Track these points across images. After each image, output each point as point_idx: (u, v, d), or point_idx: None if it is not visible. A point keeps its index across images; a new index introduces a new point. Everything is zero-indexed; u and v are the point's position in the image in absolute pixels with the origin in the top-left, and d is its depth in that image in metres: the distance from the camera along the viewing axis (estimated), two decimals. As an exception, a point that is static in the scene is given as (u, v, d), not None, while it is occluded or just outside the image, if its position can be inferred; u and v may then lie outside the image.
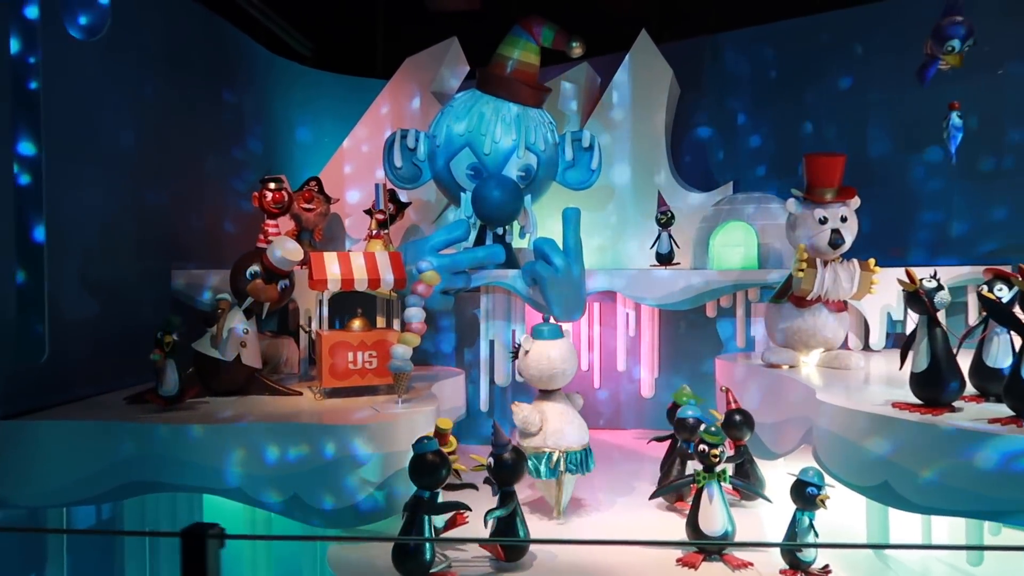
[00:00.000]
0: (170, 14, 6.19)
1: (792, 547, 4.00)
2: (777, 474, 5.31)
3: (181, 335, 4.68)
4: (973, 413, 3.92)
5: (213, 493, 4.40)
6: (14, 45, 4.51)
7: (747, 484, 4.89)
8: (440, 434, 4.41)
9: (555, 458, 4.74)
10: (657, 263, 6.83)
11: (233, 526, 5.08)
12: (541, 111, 6.78)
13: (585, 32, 6.77)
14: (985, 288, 4.11)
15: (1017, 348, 4.07)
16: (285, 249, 5.22)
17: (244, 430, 4.34)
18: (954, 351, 4.03)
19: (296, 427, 4.39)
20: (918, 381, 4.05)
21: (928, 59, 5.13)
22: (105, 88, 5.34)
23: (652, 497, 4.95)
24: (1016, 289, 4.10)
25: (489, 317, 6.46)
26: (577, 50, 6.67)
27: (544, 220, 6.83)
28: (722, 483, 4.30)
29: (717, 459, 4.25)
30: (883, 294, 5.87)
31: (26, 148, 4.56)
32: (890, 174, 7.10)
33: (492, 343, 6.49)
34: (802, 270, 5.36)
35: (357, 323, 5.28)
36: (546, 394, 4.95)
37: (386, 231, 6.50)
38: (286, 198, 6.51)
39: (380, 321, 6.23)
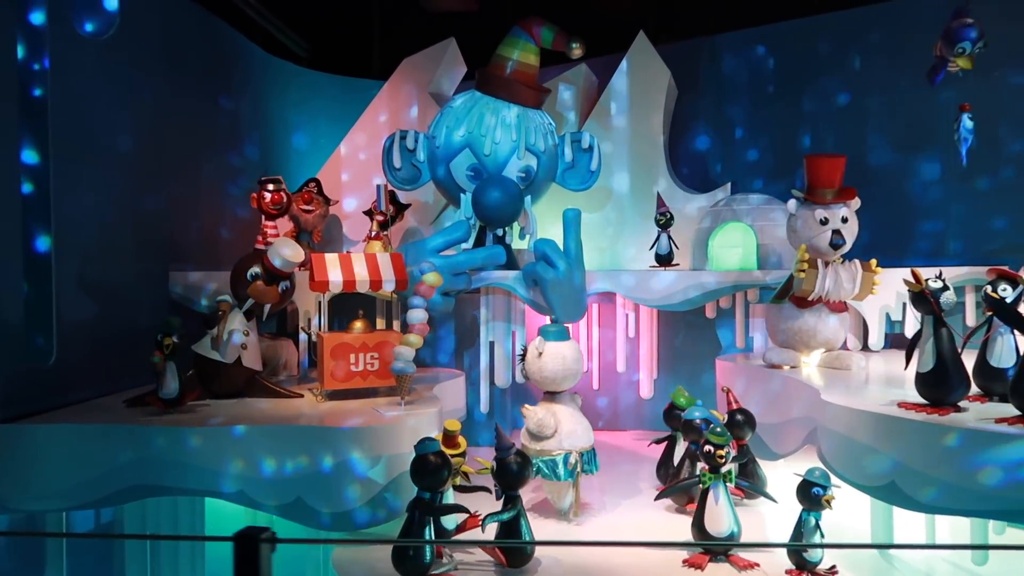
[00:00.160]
0: (166, 13, 6.14)
1: (798, 547, 4.00)
2: (778, 474, 5.32)
3: (181, 337, 4.64)
4: (979, 413, 3.93)
5: (215, 497, 4.36)
6: (20, 51, 4.49)
7: (752, 484, 4.88)
8: (449, 436, 4.38)
9: (572, 459, 4.73)
10: (656, 264, 6.83)
11: (234, 529, 5.07)
12: (541, 112, 6.77)
13: (583, 33, 6.78)
14: (990, 288, 4.12)
15: (1022, 348, 4.10)
16: (287, 251, 5.18)
17: (246, 433, 4.30)
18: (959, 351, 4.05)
19: (298, 430, 4.36)
20: (924, 381, 4.06)
21: (938, 61, 5.15)
22: (102, 87, 5.30)
23: (659, 497, 4.94)
24: (1021, 288, 4.12)
25: (489, 319, 6.44)
26: (577, 51, 6.67)
27: (543, 221, 6.82)
28: (727, 484, 4.30)
29: (723, 460, 4.24)
30: (881, 295, 5.91)
31: (30, 156, 4.56)
32: (888, 174, 7.14)
33: (492, 345, 6.47)
34: (803, 271, 5.37)
35: (358, 325, 5.25)
36: (552, 396, 4.94)
37: (386, 232, 6.47)
38: (285, 199, 6.48)
39: (380, 323, 6.20)
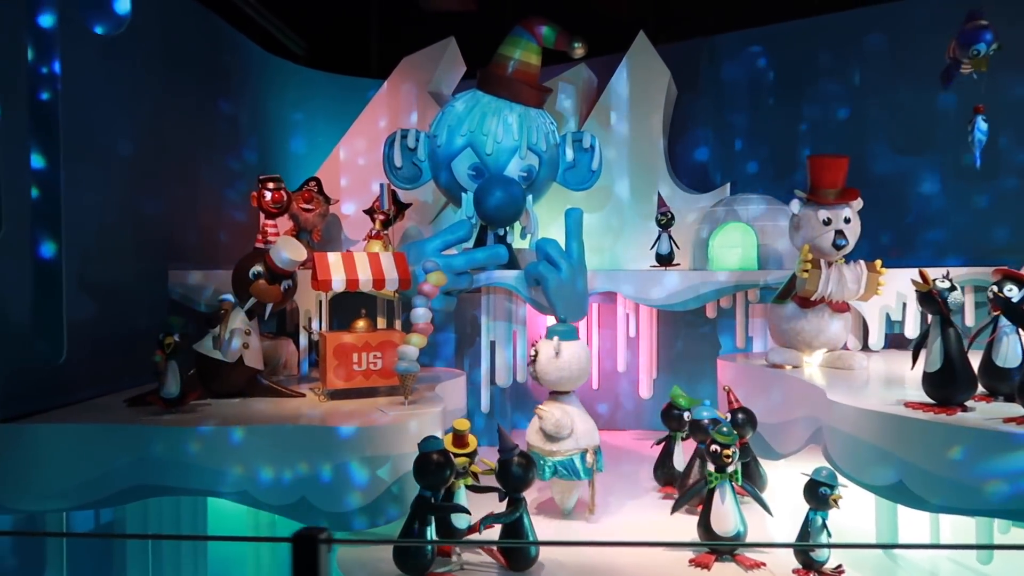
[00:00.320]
0: (165, 11, 6.10)
1: (805, 547, 4.00)
2: (780, 473, 5.33)
3: (182, 336, 4.61)
4: (985, 413, 3.95)
5: (218, 496, 4.32)
6: (30, 54, 4.46)
7: (752, 490, 4.86)
8: (458, 435, 4.36)
9: (589, 458, 4.72)
10: (657, 264, 6.82)
11: (236, 529, 5.04)
12: (542, 112, 6.75)
13: (583, 33, 6.75)
14: (995, 288, 4.14)
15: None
16: (290, 249, 5.15)
17: (248, 433, 4.27)
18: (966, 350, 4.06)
19: (301, 429, 4.32)
20: (932, 381, 4.07)
21: (952, 62, 5.15)
22: (101, 87, 5.25)
23: (675, 510, 4.69)
24: (1026, 288, 4.14)
25: (490, 318, 6.42)
26: (579, 51, 6.65)
27: (544, 221, 6.80)
28: (733, 483, 4.29)
29: (729, 459, 4.24)
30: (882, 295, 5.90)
31: (38, 160, 4.56)
32: (887, 175, 7.15)
33: (493, 344, 6.44)
34: (806, 271, 5.37)
35: (361, 324, 5.23)
36: (558, 395, 4.92)
37: (387, 231, 6.44)
38: (285, 198, 6.44)
39: (381, 322, 6.18)
